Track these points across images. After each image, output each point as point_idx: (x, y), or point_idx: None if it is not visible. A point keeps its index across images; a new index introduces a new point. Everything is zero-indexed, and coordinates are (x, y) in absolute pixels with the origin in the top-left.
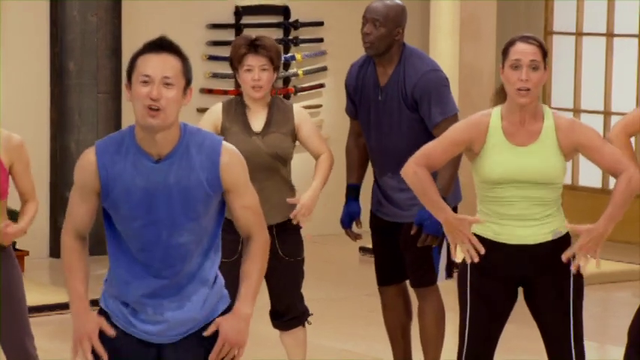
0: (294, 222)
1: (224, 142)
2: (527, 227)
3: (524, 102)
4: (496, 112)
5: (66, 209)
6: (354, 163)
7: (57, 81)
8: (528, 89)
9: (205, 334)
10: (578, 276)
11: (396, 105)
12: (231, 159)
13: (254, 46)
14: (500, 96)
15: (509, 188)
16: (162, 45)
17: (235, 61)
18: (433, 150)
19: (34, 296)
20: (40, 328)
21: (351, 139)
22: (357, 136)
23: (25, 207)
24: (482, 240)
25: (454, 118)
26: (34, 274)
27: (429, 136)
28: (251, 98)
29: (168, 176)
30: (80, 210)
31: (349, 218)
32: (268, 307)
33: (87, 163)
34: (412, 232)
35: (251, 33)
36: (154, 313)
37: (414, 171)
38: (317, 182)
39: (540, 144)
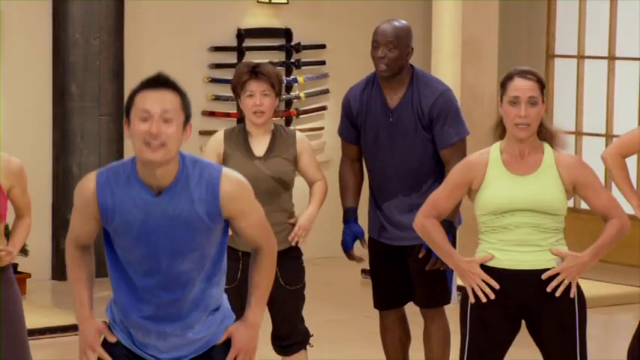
0: (293, 243)
1: (224, 171)
2: (529, 252)
3: (523, 136)
4: (495, 147)
5: (68, 231)
6: (351, 188)
7: (59, 103)
8: (527, 124)
9: (218, 342)
10: (582, 301)
11: (410, 126)
12: (232, 188)
13: (255, 72)
14: (499, 130)
15: (509, 216)
16: (160, 81)
17: (237, 88)
18: (439, 198)
19: (36, 319)
20: (42, 351)
21: (345, 164)
22: (351, 162)
23: (19, 223)
24: (484, 268)
25: (464, 140)
26: (36, 297)
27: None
28: (253, 124)
29: (168, 209)
30: (81, 228)
31: (352, 239)
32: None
33: (86, 191)
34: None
35: (253, 60)
36: (157, 339)
37: (422, 224)
38: (314, 205)
39: (541, 173)
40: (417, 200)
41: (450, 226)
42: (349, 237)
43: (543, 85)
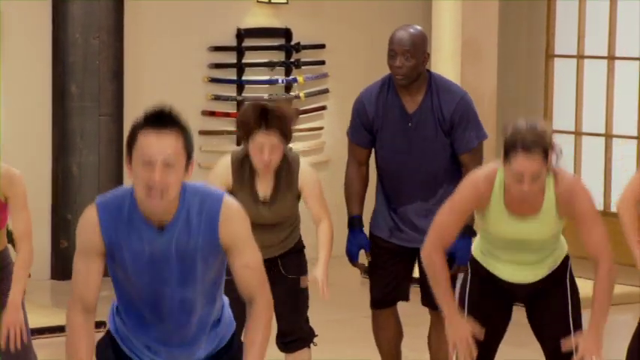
0: (324, 297)
1: (225, 199)
2: (524, 270)
3: (526, 199)
4: (499, 180)
5: (67, 231)
6: (358, 194)
7: (59, 103)
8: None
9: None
10: (574, 292)
11: (430, 131)
12: (231, 215)
13: (265, 120)
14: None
15: (505, 244)
16: (162, 120)
17: (243, 132)
18: (447, 226)
19: (35, 318)
20: (41, 351)
21: (352, 168)
22: (359, 165)
23: (16, 260)
24: (482, 267)
25: (482, 144)
26: (36, 297)
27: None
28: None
29: (170, 244)
30: (86, 276)
31: (358, 249)
32: (273, 334)
33: (89, 224)
34: None
35: (262, 100)
36: (167, 358)
37: (431, 257)
38: (324, 254)
39: (541, 216)
40: (433, 206)
41: (470, 230)
42: (355, 248)
43: (548, 149)
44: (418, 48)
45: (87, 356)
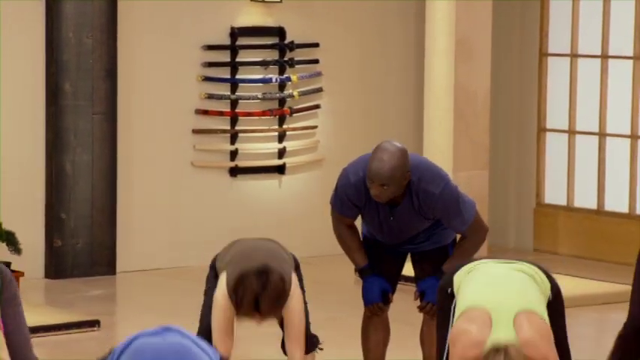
0: None
1: None
2: None
3: None
4: None
5: (61, 230)
6: (357, 246)
7: (52, 101)
8: None
9: None
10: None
11: (413, 222)
12: None
13: (259, 310)
14: None
15: None
16: None
17: (236, 310)
18: None
19: (29, 317)
20: (35, 350)
21: (342, 229)
22: (348, 226)
23: None
24: None
25: (475, 218)
26: (30, 295)
27: None
28: None
29: None
30: None
31: (380, 291)
32: (278, 334)
33: None
34: (414, 299)
35: (258, 288)
36: None
37: None
38: None
39: None
40: (413, 241)
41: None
42: (377, 289)
43: None
44: (396, 179)
45: None
